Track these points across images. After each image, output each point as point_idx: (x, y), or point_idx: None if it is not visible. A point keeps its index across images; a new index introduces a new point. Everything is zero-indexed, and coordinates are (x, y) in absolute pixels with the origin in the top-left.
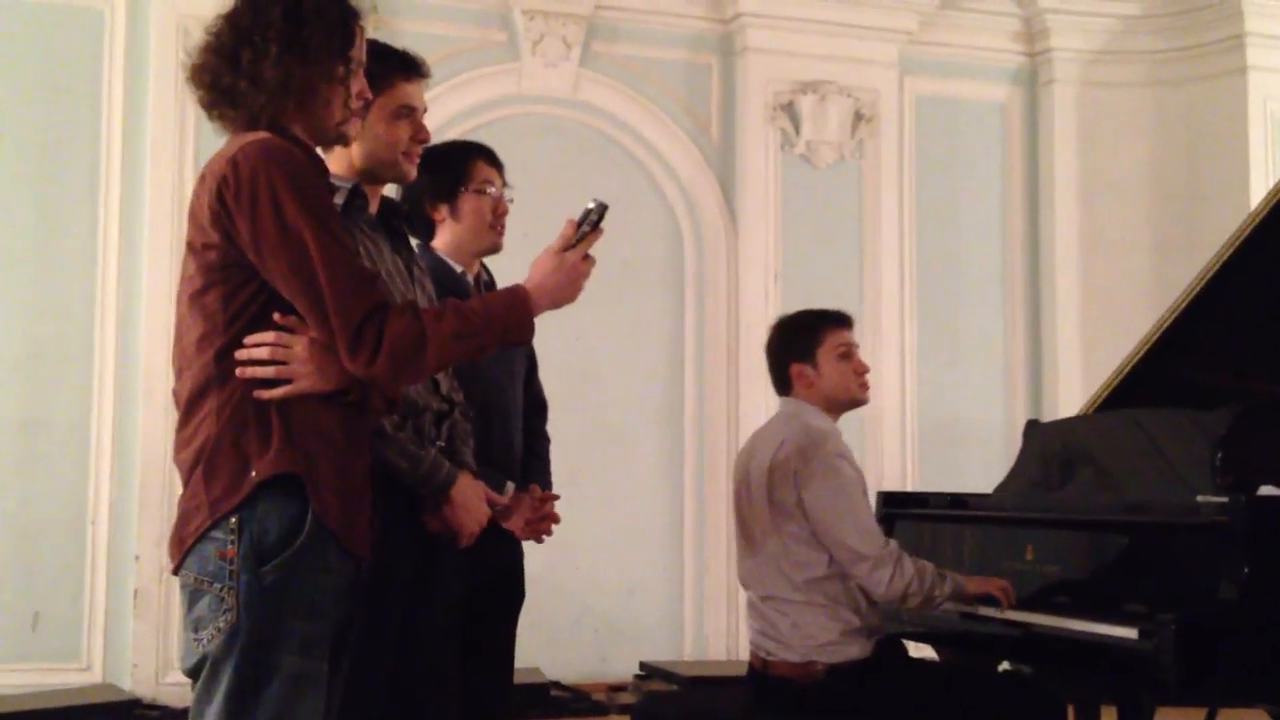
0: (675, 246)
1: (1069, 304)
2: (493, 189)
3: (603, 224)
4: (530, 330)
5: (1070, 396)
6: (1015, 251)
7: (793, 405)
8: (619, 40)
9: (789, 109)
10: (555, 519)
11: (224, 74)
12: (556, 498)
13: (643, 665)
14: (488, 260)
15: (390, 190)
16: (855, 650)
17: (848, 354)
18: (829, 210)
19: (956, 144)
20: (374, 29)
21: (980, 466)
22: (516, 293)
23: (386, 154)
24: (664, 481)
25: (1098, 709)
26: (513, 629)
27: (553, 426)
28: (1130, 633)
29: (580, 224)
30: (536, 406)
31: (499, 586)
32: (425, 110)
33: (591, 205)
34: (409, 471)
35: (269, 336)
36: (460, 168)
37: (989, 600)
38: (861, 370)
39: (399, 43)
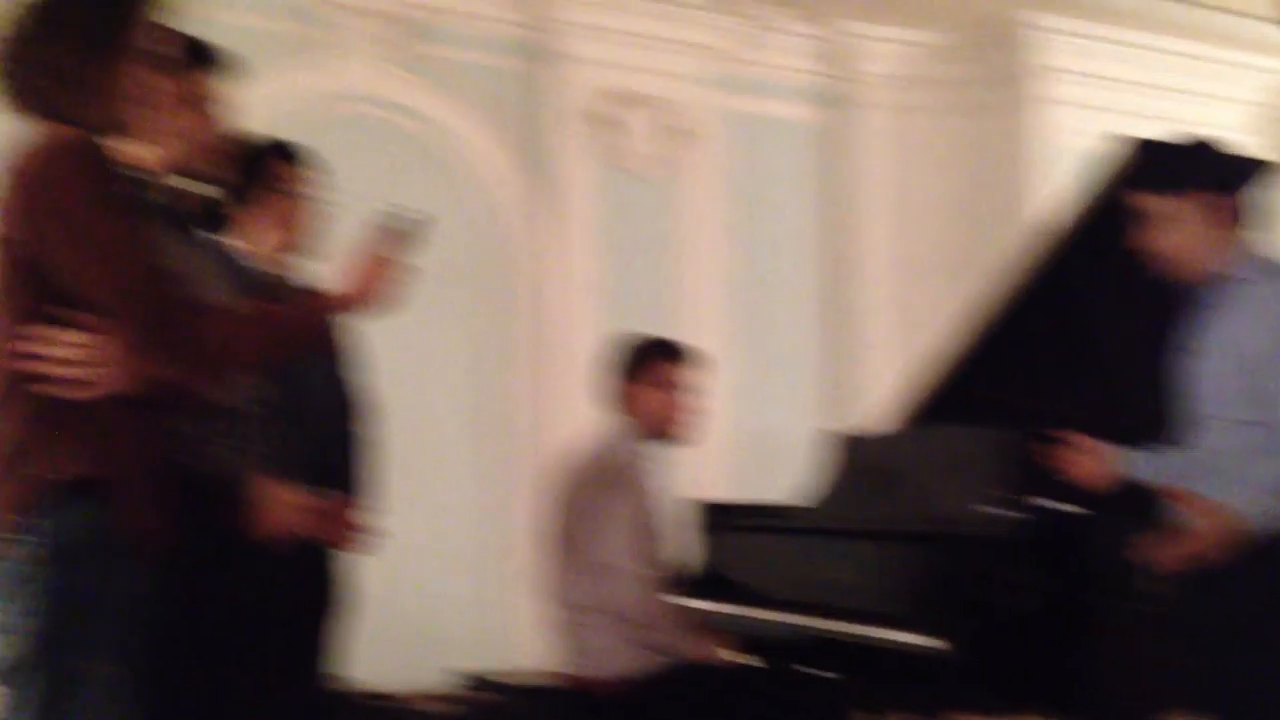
0: (490, 255)
1: (879, 320)
2: (292, 186)
3: (414, 232)
4: (327, 334)
5: (879, 410)
6: (827, 268)
7: (611, 422)
8: (436, 42)
9: (605, 119)
10: (359, 527)
11: (13, 66)
12: (358, 505)
13: (462, 674)
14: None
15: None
16: (655, 661)
17: (673, 387)
18: (644, 222)
19: (770, 161)
20: (184, 19)
21: (791, 479)
22: (320, 299)
23: (184, 147)
24: (473, 490)
25: None
26: (322, 635)
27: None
28: (929, 640)
29: (390, 230)
30: (351, 407)
31: (307, 593)
32: (225, 101)
33: (402, 212)
34: (210, 472)
35: (71, 335)
36: (259, 165)
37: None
38: (683, 408)
39: (212, 35)
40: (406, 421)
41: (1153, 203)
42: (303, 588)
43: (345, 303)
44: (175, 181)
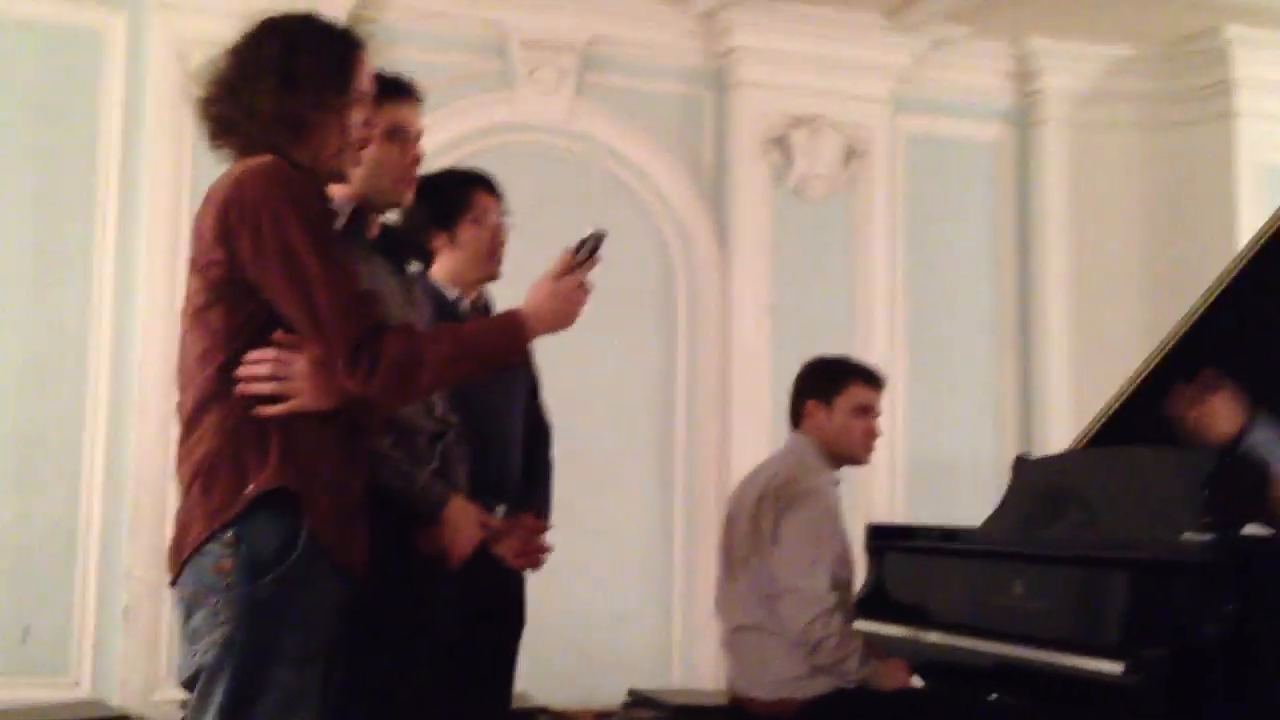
0: (667, 278)
1: (1059, 341)
2: (492, 218)
3: (599, 252)
4: (523, 354)
5: (1060, 432)
6: (1006, 290)
7: (796, 441)
8: (614, 71)
9: (781, 143)
10: (546, 548)
11: (225, 106)
12: (546, 527)
13: (631, 692)
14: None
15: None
16: (823, 684)
17: (864, 411)
18: (821, 245)
19: (948, 181)
20: (372, 55)
21: (969, 502)
22: (512, 317)
23: (379, 177)
24: (654, 511)
25: None
26: (512, 656)
27: None
28: (1116, 667)
29: (577, 251)
30: (538, 431)
31: (498, 614)
32: (420, 133)
33: (588, 233)
34: (402, 491)
35: (270, 353)
36: (460, 197)
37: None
38: (872, 433)
39: (394, 69)
40: (592, 444)
41: None
42: (487, 607)
43: (537, 323)
44: (377, 211)
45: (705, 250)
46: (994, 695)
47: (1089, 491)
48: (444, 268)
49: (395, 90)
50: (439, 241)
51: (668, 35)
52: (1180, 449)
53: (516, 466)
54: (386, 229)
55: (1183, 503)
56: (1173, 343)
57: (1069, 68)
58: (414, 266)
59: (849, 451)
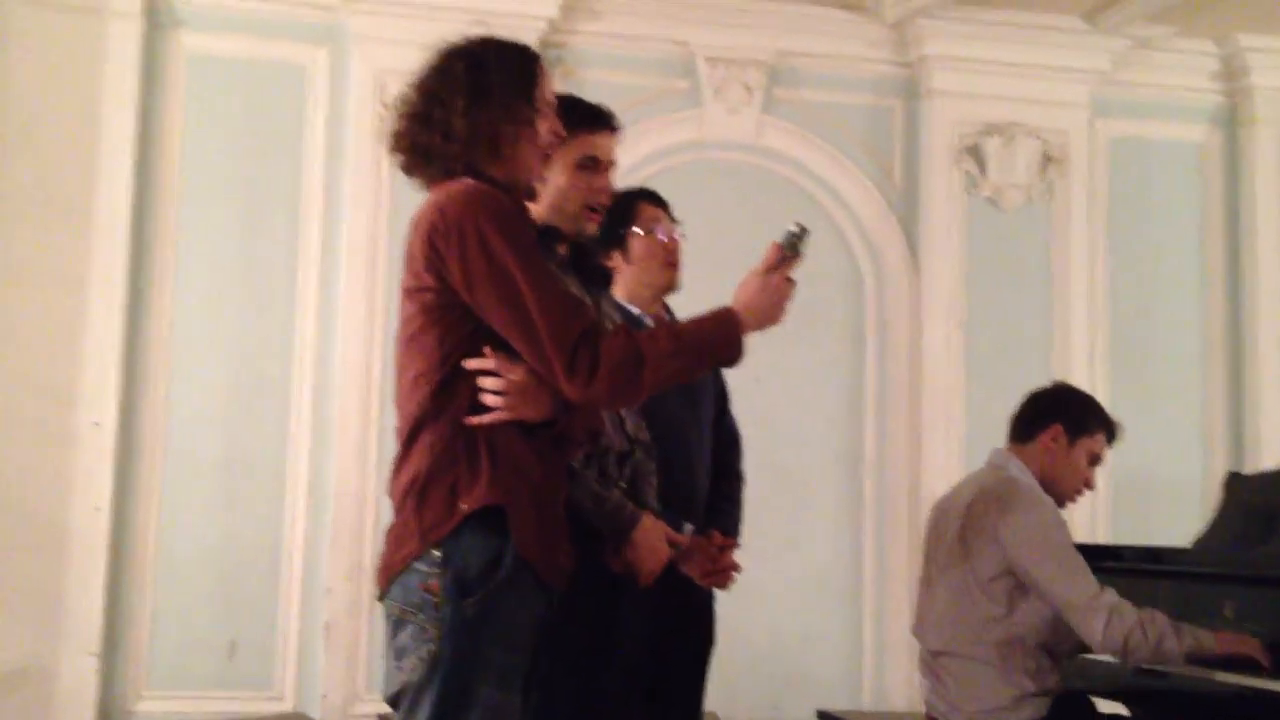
0: (857, 290)
1: (1271, 353)
2: (660, 226)
3: (804, 248)
4: (740, 350)
5: (1273, 449)
6: (1214, 298)
7: (1006, 458)
8: (801, 85)
9: (974, 151)
10: (735, 567)
11: (418, 134)
12: (735, 545)
13: (820, 713)
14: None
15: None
16: (1028, 715)
17: (1095, 461)
18: (1016, 255)
19: (1150, 186)
20: (560, 78)
21: (1175, 520)
22: (725, 312)
23: (566, 205)
24: (843, 528)
25: None
26: (702, 675)
27: None
28: None
29: (783, 247)
30: (728, 442)
31: (689, 631)
32: (614, 164)
33: (794, 229)
34: (593, 510)
35: (489, 363)
36: (625, 212)
37: (1240, 662)
38: (1091, 485)
39: (584, 92)
40: (781, 458)
41: None
42: (677, 626)
43: (749, 318)
44: (559, 238)
45: (895, 263)
46: None
47: None
48: (623, 285)
49: (593, 119)
50: (613, 260)
51: (856, 47)
52: None
53: (704, 482)
54: (575, 247)
55: None
56: None
57: (1278, 65)
58: (599, 289)
59: (1065, 491)
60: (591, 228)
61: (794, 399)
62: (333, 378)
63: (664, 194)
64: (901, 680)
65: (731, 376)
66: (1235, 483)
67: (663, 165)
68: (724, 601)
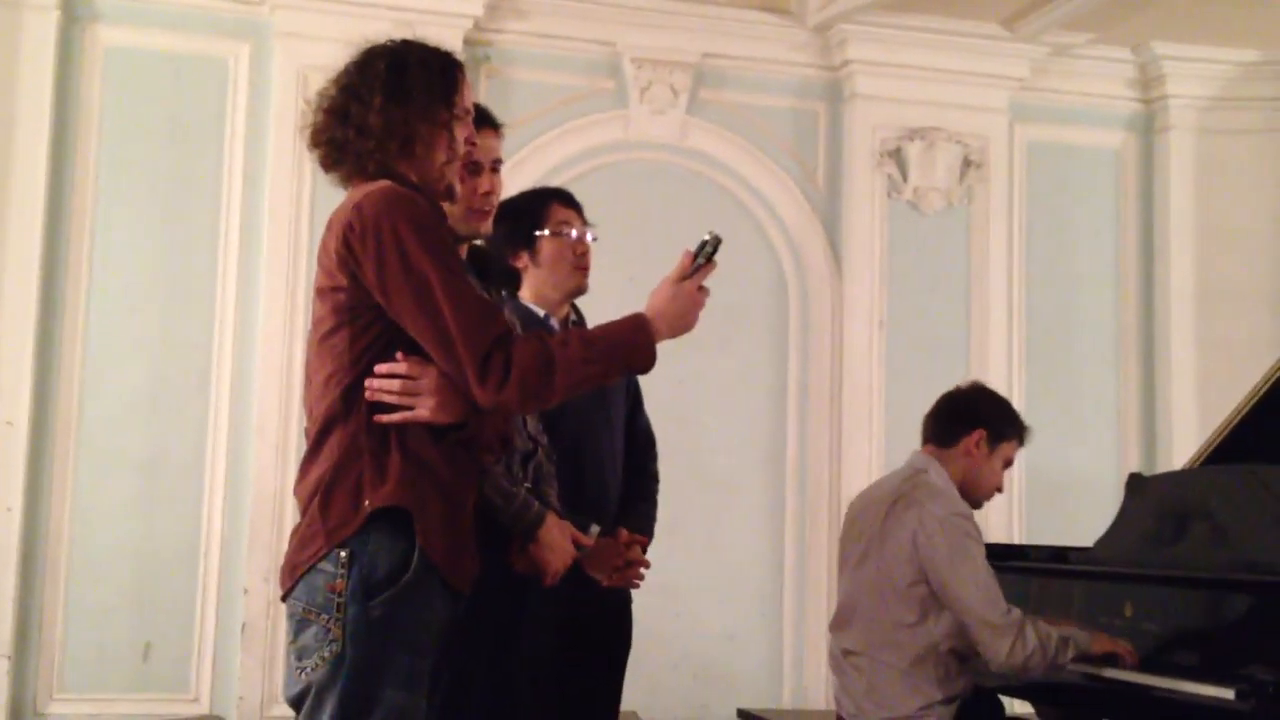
0: (780, 293)
1: (1184, 356)
2: (571, 230)
3: (717, 257)
4: (652, 356)
5: (1185, 450)
6: (1129, 301)
7: (926, 461)
8: (726, 87)
9: (896, 155)
10: (643, 564)
11: (334, 130)
12: (643, 543)
13: (740, 712)
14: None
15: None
16: (923, 705)
17: (1007, 465)
18: (936, 257)
19: (1068, 191)
20: (486, 78)
21: (1090, 521)
22: (637, 319)
23: (455, 206)
24: (765, 528)
25: None
26: (618, 676)
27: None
28: (1227, 693)
29: (697, 255)
30: (642, 443)
31: (604, 633)
32: (498, 162)
33: (708, 237)
34: (502, 509)
35: (401, 366)
36: (536, 212)
37: (1112, 659)
38: (1001, 487)
39: (510, 91)
40: (703, 460)
41: None
42: (590, 627)
43: (661, 325)
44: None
45: (818, 265)
46: None
47: (1206, 511)
48: (529, 287)
49: (483, 119)
50: (521, 261)
51: (780, 50)
52: None
53: (614, 483)
54: (475, 251)
55: None
56: None
57: (1194, 73)
58: (504, 292)
59: (982, 495)
60: (486, 227)
61: (717, 400)
62: (253, 376)
63: (589, 194)
64: (821, 679)
65: (655, 378)
66: (1138, 484)
67: (588, 165)
68: (646, 601)
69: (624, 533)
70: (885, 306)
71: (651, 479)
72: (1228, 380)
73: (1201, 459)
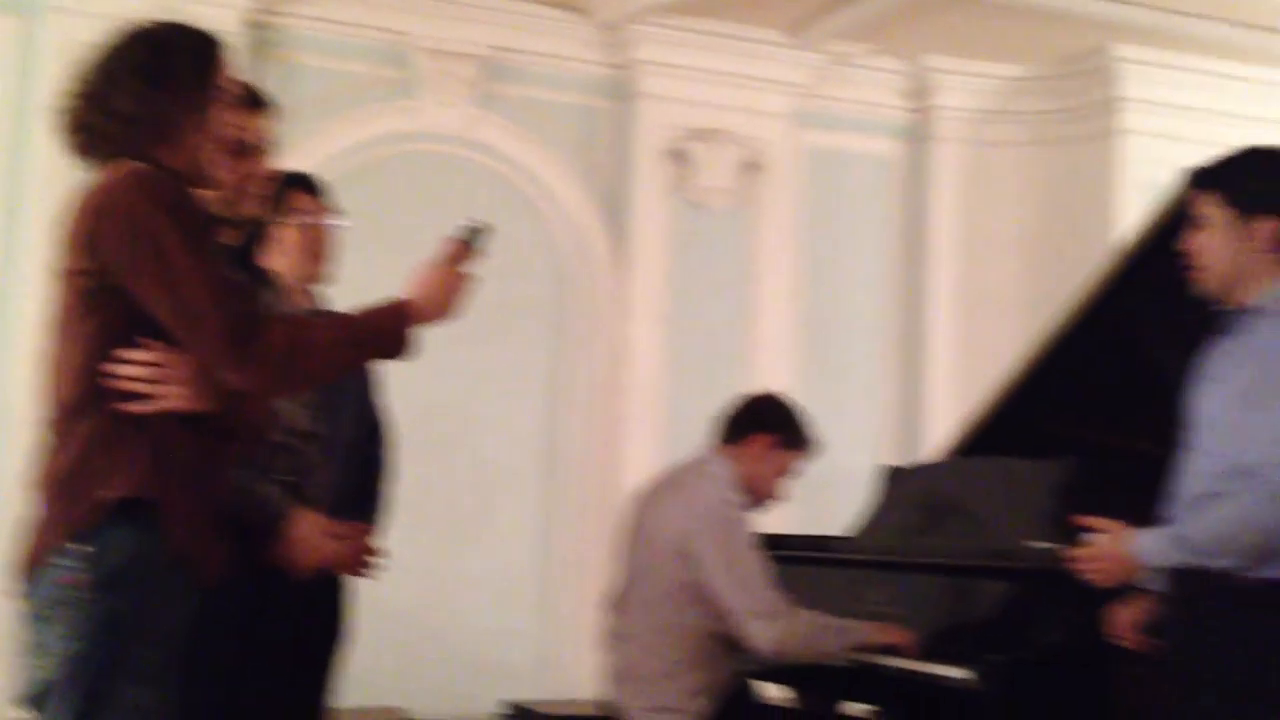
0: (563, 287)
1: (946, 358)
2: (314, 218)
3: (481, 243)
4: (409, 343)
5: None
6: (897, 304)
7: (715, 458)
8: (515, 81)
9: (681, 155)
10: (374, 553)
11: (87, 113)
12: (370, 530)
13: (508, 704)
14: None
15: None
16: (688, 716)
17: (790, 474)
18: (718, 257)
19: (845, 196)
20: (269, 62)
21: (856, 513)
22: (395, 304)
23: (220, 191)
24: (539, 522)
25: None
26: (330, 667)
27: (430, 466)
28: (963, 673)
29: (460, 241)
30: (372, 433)
31: (319, 624)
32: (266, 143)
33: (470, 223)
34: (247, 505)
35: (149, 353)
36: (277, 199)
37: (892, 650)
38: (783, 494)
39: (296, 77)
40: (478, 453)
41: (1204, 203)
42: (318, 617)
43: (421, 310)
44: (224, 217)
45: (601, 260)
46: (859, 704)
47: (956, 501)
48: (272, 269)
49: (240, 100)
50: (267, 244)
51: (569, 46)
52: (1036, 461)
53: (345, 471)
54: (249, 236)
55: (1037, 512)
56: (1037, 357)
57: (963, 86)
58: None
59: (763, 498)
60: (252, 211)
61: (495, 393)
62: (14, 365)
63: (374, 185)
64: (590, 670)
65: (433, 370)
66: (892, 475)
67: (374, 155)
68: (416, 596)
69: (355, 522)
70: (668, 305)
71: (382, 468)
72: (984, 380)
73: (953, 451)
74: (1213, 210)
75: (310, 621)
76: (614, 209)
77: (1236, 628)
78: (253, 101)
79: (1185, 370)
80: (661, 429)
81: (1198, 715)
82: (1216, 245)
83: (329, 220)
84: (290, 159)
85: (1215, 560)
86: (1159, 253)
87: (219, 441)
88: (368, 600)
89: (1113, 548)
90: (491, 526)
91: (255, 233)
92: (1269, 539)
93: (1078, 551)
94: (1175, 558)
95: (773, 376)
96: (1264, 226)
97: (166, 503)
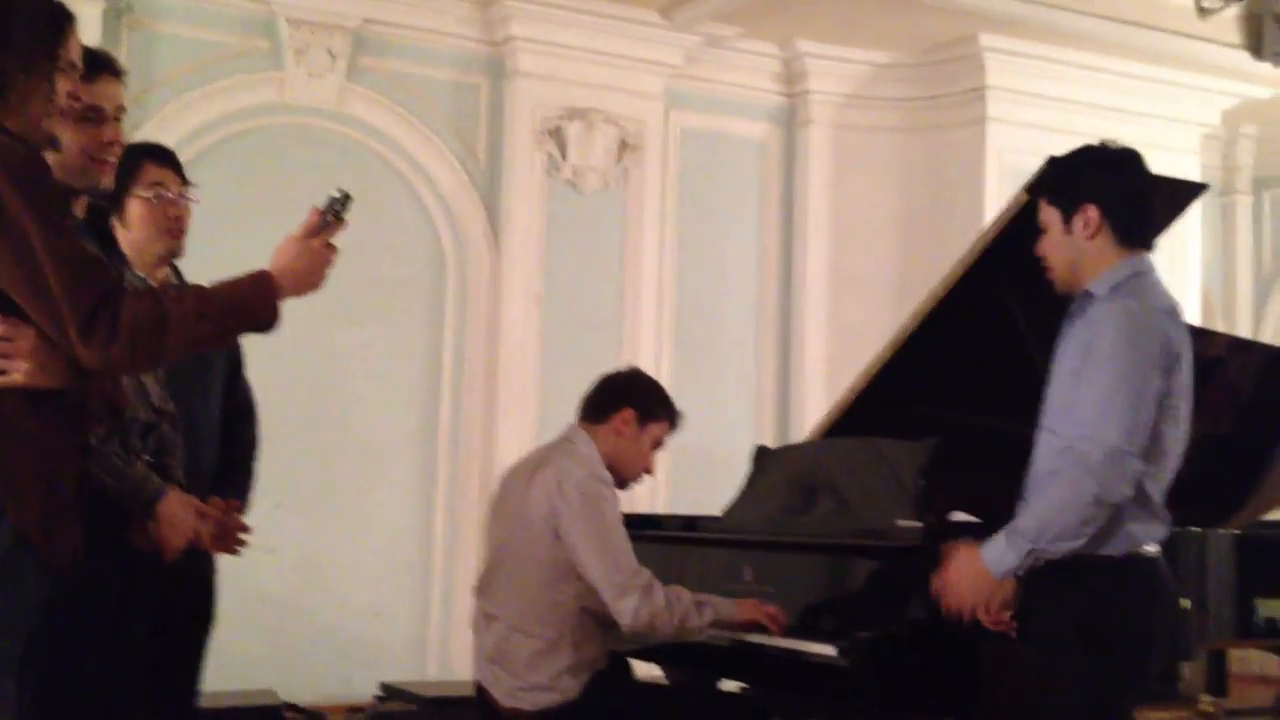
0: (437, 266)
1: (816, 339)
2: (165, 191)
3: (346, 215)
4: (275, 315)
5: (815, 425)
6: (770, 285)
7: (580, 436)
8: (387, 55)
9: (556, 134)
10: (242, 529)
11: None
12: (239, 508)
13: (383, 686)
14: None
15: None
16: (560, 695)
17: (656, 446)
18: (593, 237)
19: (718, 177)
20: (129, 29)
21: (729, 494)
22: (260, 276)
23: (68, 159)
24: (416, 503)
25: None
26: (202, 649)
27: (308, 445)
28: (831, 650)
29: (324, 212)
30: (241, 411)
31: (191, 609)
32: (118, 110)
33: (336, 194)
34: (115, 487)
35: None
36: (127, 170)
37: (758, 627)
38: (651, 468)
39: (156, 46)
40: (354, 433)
41: (1041, 209)
42: (186, 600)
43: (285, 282)
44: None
45: (477, 239)
46: (734, 680)
47: (826, 480)
48: (122, 243)
49: (91, 65)
50: (117, 217)
51: (444, 21)
52: (899, 441)
53: (213, 449)
54: (93, 209)
55: (899, 491)
56: (900, 340)
57: (833, 71)
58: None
59: (630, 474)
60: (105, 179)
61: (371, 371)
62: None
63: (238, 158)
64: (466, 651)
65: (307, 348)
66: (762, 456)
67: (238, 127)
68: (289, 577)
69: (217, 500)
70: (542, 284)
71: (249, 445)
72: (855, 362)
73: (822, 432)
74: (1047, 214)
75: (179, 604)
76: (490, 188)
77: (1070, 589)
78: (104, 66)
79: (1047, 352)
80: (538, 409)
81: (1055, 677)
82: (1055, 244)
83: (179, 193)
84: (153, 131)
85: (1052, 546)
86: (1020, 237)
87: (68, 419)
88: (241, 582)
89: (967, 567)
90: (368, 507)
91: (107, 204)
92: (1084, 515)
93: (936, 583)
94: (1015, 555)
95: (648, 357)
96: (1084, 216)
97: (12, 485)
